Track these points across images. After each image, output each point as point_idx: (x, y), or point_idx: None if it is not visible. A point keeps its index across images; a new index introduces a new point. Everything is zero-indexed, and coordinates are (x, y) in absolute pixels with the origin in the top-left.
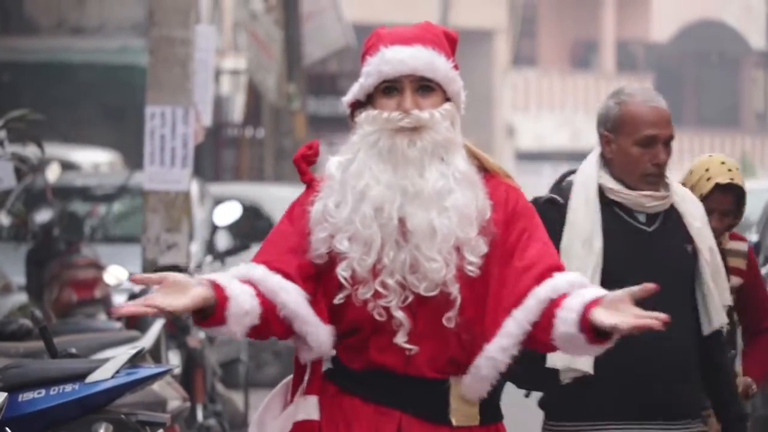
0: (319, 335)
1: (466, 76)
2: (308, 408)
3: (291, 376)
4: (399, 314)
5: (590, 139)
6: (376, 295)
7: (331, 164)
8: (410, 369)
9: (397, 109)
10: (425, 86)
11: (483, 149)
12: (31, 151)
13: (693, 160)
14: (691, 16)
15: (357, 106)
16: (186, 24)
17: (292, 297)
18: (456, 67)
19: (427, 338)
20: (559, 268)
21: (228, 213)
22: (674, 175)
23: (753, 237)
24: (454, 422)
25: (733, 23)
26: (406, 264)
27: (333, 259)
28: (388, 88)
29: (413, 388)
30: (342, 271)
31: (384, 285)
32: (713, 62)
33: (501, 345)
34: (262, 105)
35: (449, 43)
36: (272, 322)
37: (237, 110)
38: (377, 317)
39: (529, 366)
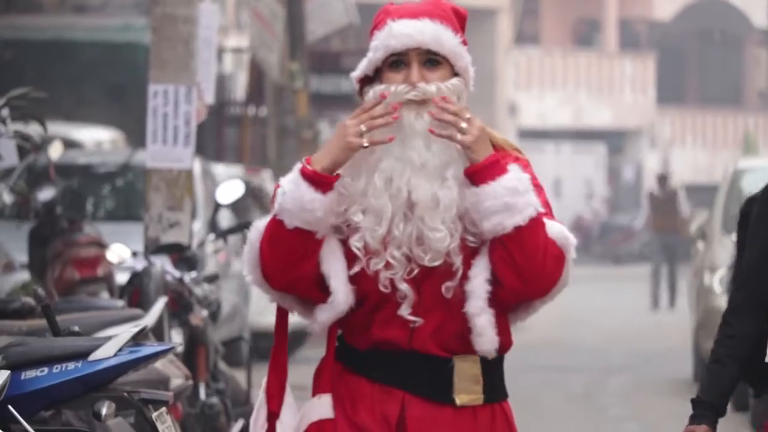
0: (340, 284)
1: (470, 55)
2: (322, 408)
3: (266, 379)
4: (403, 286)
5: (592, 117)
6: (387, 265)
7: None
8: (414, 343)
9: (404, 83)
10: (432, 60)
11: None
12: (33, 129)
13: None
14: None
15: (365, 81)
16: (189, 2)
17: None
18: (465, 42)
19: (431, 312)
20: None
21: (231, 191)
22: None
23: None
24: (458, 401)
25: (735, 2)
26: (412, 236)
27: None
28: (396, 62)
29: (417, 368)
30: (356, 242)
31: (391, 256)
32: (716, 40)
33: (477, 273)
34: (265, 83)
35: (458, 19)
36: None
37: (239, 88)
38: (382, 289)
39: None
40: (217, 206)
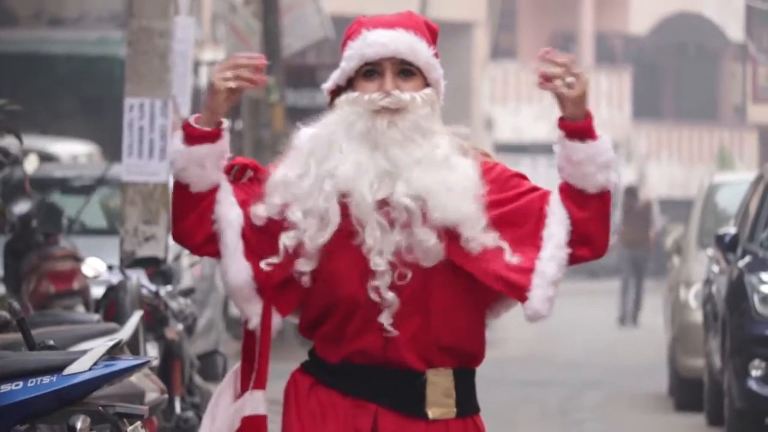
0: (232, 266)
1: (445, 69)
2: (255, 403)
3: (238, 364)
4: (389, 295)
5: None
6: (370, 274)
7: (302, 135)
8: (389, 352)
9: (378, 92)
10: (406, 70)
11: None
12: (9, 142)
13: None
14: (669, 8)
15: (337, 93)
16: (165, 16)
17: (232, 216)
18: (437, 55)
19: (408, 319)
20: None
21: None
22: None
23: (731, 229)
24: (430, 415)
25: (711, 16)
26: (401, 245)
27: (272, 226)
28: (369, 71)
29: (389, 381)
30: (287, 240)
31: (374, 264)
32: (691, 55)
33: (555, 243)
34: (241, 97)
35: (430, 33)
36: (208, 209)
37: None
38: (373, 297)
39: None
40: None
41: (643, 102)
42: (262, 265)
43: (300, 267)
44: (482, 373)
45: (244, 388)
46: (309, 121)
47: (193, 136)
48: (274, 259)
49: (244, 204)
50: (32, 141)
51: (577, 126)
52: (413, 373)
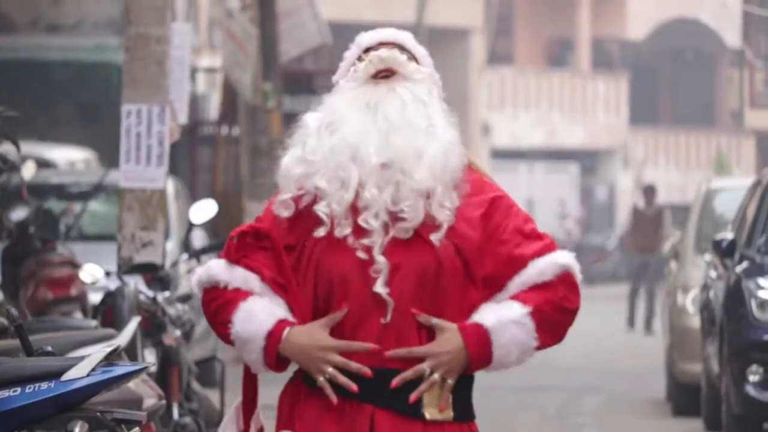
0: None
1: (442, 75)
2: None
3: (239, 401)
4: (381, 259)
5: (565, 137)
6: (356, 231)
7: (308, 117)
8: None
9: (376, 55)
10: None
11: None
12: (6, 148)
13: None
14: (666, 14)
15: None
16: (162, 22)
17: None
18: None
19: (406, 321)
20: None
21: (204, 211)
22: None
23: (728, 235)
24: (427, 416)
25: (708, 21)
26: (388, 200)
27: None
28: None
29: (386, 382)
30: (323, 208)
31: (365, 222)
32: (688, 60)
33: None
34: (238, 103)
35: (418, 52)
36: None
37: (213, 108)
38: (361, 255)
39: None
40: (191, 226)
41: (640, 107)
42: (315, 234)
43: (338, 233)
44: (481, 379)
45: (246, 426)
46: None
47: (271, 367)
48: (321, 231)
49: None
50: (30, 147)
51: (474, 368)
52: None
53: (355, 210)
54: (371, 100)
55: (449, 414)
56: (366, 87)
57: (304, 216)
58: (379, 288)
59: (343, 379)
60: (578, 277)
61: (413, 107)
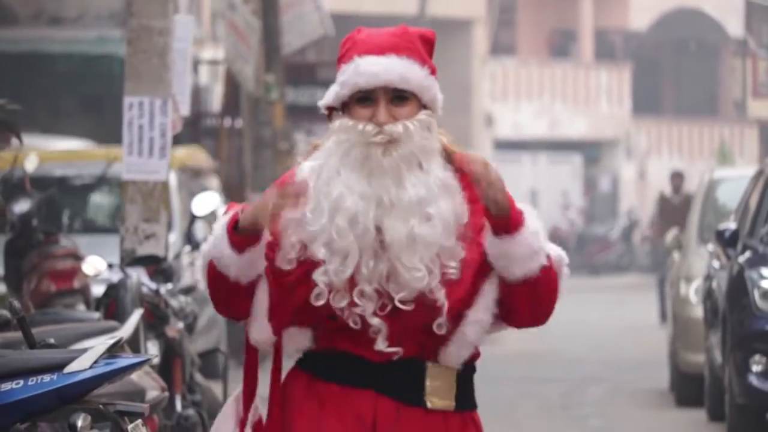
0: (257, 324)
1: (445, 66)
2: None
3: (239, 390)
4: (375, 321)
5: (568, 127)
6: (351, 303)
7: (303, 170)
8: (390, 342)
9: (372, 120)
10: (400, 96)
11: (461, 138)
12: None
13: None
14: (669, 4)
15: (333, 109)
16: (164, 14)
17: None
18: (433, 71)
19: (407, 339)
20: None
21: (206, 203)
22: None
23: (731, 225)
24: (429, 405)
25: (711, 11)
26: (383, 274)
27: (303, 266)
28: (363, 98)
29: (389, 370)
30: (320, 277)
31: (361, 293)
32: (691, 51)
33: (484, 306)
34: (241, 95)
35: (425, 45)
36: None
37: (215, 100)
38: (352, 325)
39: None
40: (193, 218)
41: (643, 98)
42: (313, 300)
43: (335, 303)
44: (484, 369)
45: (246, 415)
46: (309, 118)
47: (242, 244)
48: (320, 300)
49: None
50: (32, 140)
51: (504, 222)
52: (414, 362)
53: (351, 279)
54: (370, 166)
55: (451, 403)
56: (365, 147)
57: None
58: (380, 346)
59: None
60: (563, 272)
61: (411, 179)
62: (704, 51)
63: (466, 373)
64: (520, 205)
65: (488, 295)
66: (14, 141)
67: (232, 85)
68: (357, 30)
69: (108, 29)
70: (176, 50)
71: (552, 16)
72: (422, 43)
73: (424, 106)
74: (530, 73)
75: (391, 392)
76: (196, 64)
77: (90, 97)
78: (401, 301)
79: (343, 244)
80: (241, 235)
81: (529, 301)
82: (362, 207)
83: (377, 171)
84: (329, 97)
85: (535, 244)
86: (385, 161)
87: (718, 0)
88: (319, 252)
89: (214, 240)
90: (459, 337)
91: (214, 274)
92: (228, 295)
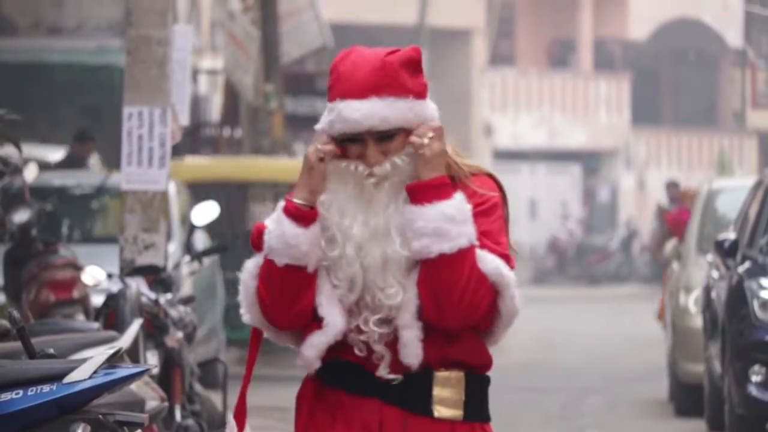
0: (333, 310)
1: (444, 76)
2: None
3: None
4: (378, 347)
5: (567, 138)
6: (357, 329)
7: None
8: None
9: (360, 158)
10: (386, 134)
11: (461, 148)
12: (8, 151)
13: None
14: (668, 14)
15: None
16: (163, 24)
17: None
18: (421, 90)
19: (428, 340)
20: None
21: (206, 213)
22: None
23: (730, 235)
24: (436, 414)
25: (710, 22)
26: (373, 303)
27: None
28: (352, 139)
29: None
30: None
31: (366, 320)
32: (690, 61)
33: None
34: (240, 105)
35: (410, 69)
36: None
37: (214, 110)
38: (357, 352)
39: None
40: (192, 228)
41: (642, 108)
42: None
43: (348, 325)
44: None
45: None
46: (308, 128)
47: (308, 218)
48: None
49: None
50: (32, 150)
51: (412, 185)
52: (422, 372)
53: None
54: (364, 196)
55: (459, 413)
56: (359, 184)
57: None
58: (382, 372)
59: (328, 149)
60: (507, 296)
61: (393, 205)
62: (703, 61)
63: (476, 383)
64: (457, 195)
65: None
66: (13, 151)
67: (232, 95)
68: (344, 54)
69: (107, 39)
70: (175, 60)
71: (551, 26)
72: (406, 70)
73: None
74: (529, 83)
75: (398, 401)
76: (195, 73)
77: (89, 107)
78: (378, 323)
79: (349, 271)
80: (305, 210)
81: (426, 286)
82: (367, 235)
83: (373, 202)
84: (322, 125)
85: (443, 227)
86: (377, 193)
87: (717, 10)
88: (337, 278)
89: (275, 231)
90: (398, 325)
91: (280, 272)
92: (298, 288)
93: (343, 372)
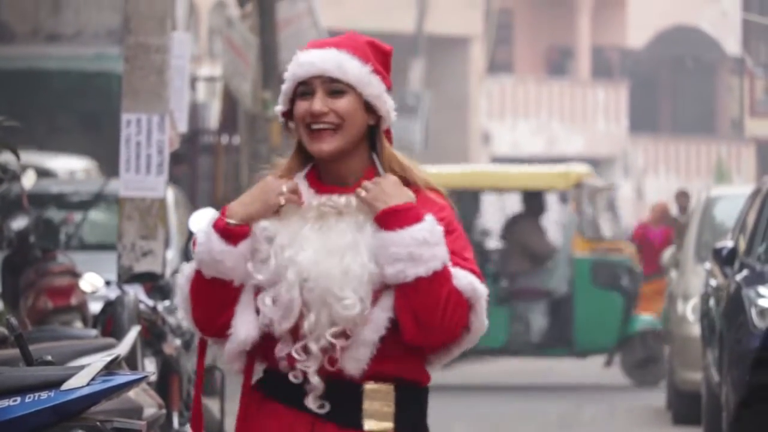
0: (242, 323)
1: (442, 83)
2: None
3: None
4: (315, 380)
5: (565, 145)
6: (289, 359)
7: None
8: (329, 363)
9: (308, 110)
10: (337, 90)
11: (459, 156)
12: (6, 158)
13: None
14: (666, 22)
15: (288, 115)
16: (162, 31)
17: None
18: (380, 74)
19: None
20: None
21: (204, 219)
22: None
23: (728, 243)
24: (366, 427)
25: (708, 29)
26: (328, 321)
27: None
28: (304, 92)
29: (328, 392)
30: (263, 320)
31: (305, 349)
32: (689, 68)
33: (383, 305)
34: (238, 112)
35: (378, 53)
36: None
37: (213, 117)
38: (293, 380)
39: None
40: (191, 235)
41: (640, 115)
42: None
43: (277, 352)
44: (483, 386)
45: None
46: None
47: (237, 236)
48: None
49: None
50: (30, 157)
51: (380, 213)
52: (350, 385)
53: (295, 330)
54: (323, 227)
55: (389, 426)
56: (323, 215)
57: None
58: (311, 404)
59: (293, 198)
60: (480, 311)
61: (361, 234)
62: (701, 69)
63: (408, 395)
64: (428, 218)
65: (389, 297)
66: (11, 158)
67: (230, 102)
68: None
69: (105, 46)
70: (174, 67)
71: (549, 33)
72: (371, 48)
73: (367, 104)
74: (527, 90)
75: (329, 415)
76: (193, 81)
77: (87, 114)
78: (333, 336)
79: (286, 297)
80: (235, 228)
81: (406, 311)
82: (314, 263)
83: (335, 230)
84: (280, 100)
85: (416, 251)
86: (338, 225)
87: (715, 18)
88: (264, 303)
89: (203, 245)
90: (356, 338)
91: (207, 284)
92: (222, 301)
93: (277, 384)
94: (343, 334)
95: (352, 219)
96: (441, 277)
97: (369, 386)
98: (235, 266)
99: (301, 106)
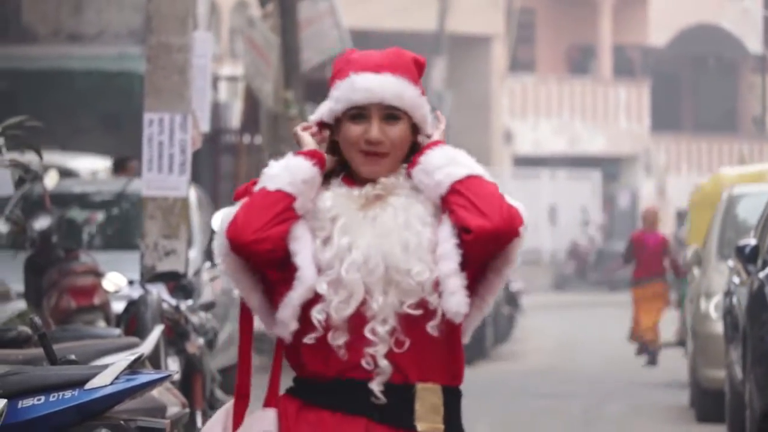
0: (306, 261)
1: (464, 82)
2: (265, 421)
3: (232, 401)
4: (383, 363)
5: (587, 144)
6: (365, 342)
7: (324, 197)
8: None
9: (363, 135)
10: (392, 115)
11: (481, 155)
12: (29, 158)
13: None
14: (688, 20)
15: (322, 125)
16: (183, 31)
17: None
18: (423, 92)
19: (409, 352)
20: None
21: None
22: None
23: (751, 240)
24: (419, 428)
25: (730, 28)
26: (395, 305)
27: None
28: (356, 115)
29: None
30: (317, 314)
31: (374, 332)
32: (710, 67)
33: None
34: (260, 111)
35: (418, 69)
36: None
37: (235, 117)
38: (365, 366)
39: None
40: (213, 234)
41: (662, 114)
42: (306, 340)
43: (332, 341)
44: (505, 386)
45: (236, 425)
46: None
47: (318, 158)
48: (311, 338)
49: None
50: (52, 157)
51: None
52: (403, 386)
53: (356, 317)
54: (372, 218)
55: (440, 426)
56: (364, 198)
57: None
58: (376, 387)
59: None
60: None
61: (403, 217)
62: (723, 67)
63: (452, 396)
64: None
65: (449, 234)
66: (34, 158)
67: (252, 102)
68: (350, 51)
69: (127, 46)
70: (196, 67)
71: (571, 32)
72: (416, 66)
73: (414, 126)
74: (549, 89)
75: (382, 417)
76: (215, 80)
77: (109, 114)
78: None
79: (350, 278)
80: (312, 150)
81: (464, 205)
82: (374, 247)
83: (379, 219)
84: (321, 112)
85: (457, 156)
86: (382, 212)
87: (736, 16)
88: (321, 287)
89: (277, 165)
90: (444, 279)
91: (269, 195)
92: (279, 212)
93: (327, 390)
94: (420, 305)
95: (398, 200)
96: (486, 180)
97: (421, 386)
98: (307, 184)
99: (354, 130)
